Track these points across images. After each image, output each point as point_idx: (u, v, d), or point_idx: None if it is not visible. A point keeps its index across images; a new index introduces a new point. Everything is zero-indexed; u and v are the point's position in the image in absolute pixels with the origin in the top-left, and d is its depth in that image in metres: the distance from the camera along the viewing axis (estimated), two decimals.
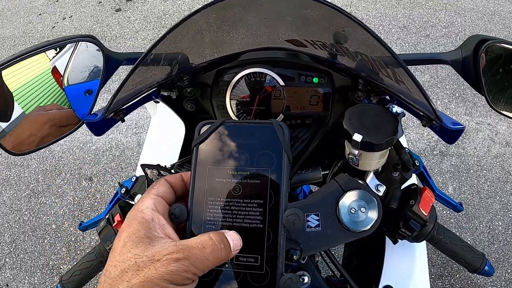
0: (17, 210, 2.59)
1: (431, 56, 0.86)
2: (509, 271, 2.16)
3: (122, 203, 0.81)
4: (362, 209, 0.62)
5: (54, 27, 4.16)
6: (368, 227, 0.62)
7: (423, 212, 0.73)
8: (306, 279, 0.72)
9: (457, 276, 2.13)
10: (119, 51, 3.22)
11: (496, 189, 2.50)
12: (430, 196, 0.75)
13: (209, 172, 0.55)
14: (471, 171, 2.59)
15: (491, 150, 2.70)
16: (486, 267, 0.88)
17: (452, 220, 2.34)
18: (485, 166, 2.61)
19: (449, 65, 0.82)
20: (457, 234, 2.23)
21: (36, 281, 2.26)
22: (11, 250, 2.39)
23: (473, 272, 0.90)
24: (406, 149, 0.79)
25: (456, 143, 2.65)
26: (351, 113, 0.70)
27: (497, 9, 3.94)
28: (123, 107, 0.75)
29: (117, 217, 0.77)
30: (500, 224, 2.34)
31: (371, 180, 0.74)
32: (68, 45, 0.79)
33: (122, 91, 0.67)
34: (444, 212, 2.36)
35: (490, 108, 0.82)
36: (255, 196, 0.53)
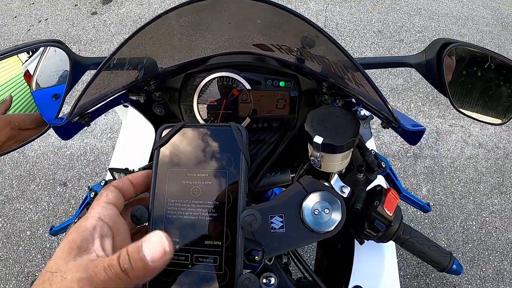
0: None
1: (395, 60, 0.87)
2: (483, 269, 2.20)
3: None
4: (325, 210, 0.63)
5: (30, 29, 4.10)
6: (332, 228, 0.63)
7: (388, 212, 0.74)
8: (273, 280, 0.73)
9: (432, 275, 2.16)
10: (94, 55, 3.17)
11: (469, 189, 2.55)
12: (395, 196, 0.76)
13: (170, 175, 0.55)
14: (445, 172, 2.63)
15: (464, 151, 2.76)
16: (454, 266, 0.89)
17: (426, 220, 2.38)
18: (458, 167, 2.66)
19: (413, 68, 0.83)
20: (431, 234, 2.26)
21: None
22: None
23: (441, 271, 0.91)
24: (372, 151, 0.80)
25: (429, 145, 2.71)
26: (313, 116, 0.71)
27: (471, 14, 4.03)
28: (88, 111, 0.75)
29: None
30: (474, 223, 2.38)
31: (335, 181, 0.75)
32: (41, 49, 0.79)
33: (86, 95, 0.67)
34: (418, 213, 2.40)
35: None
36: (214, 198, 0.54)
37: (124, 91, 0.83)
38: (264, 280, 0.74)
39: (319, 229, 0.62)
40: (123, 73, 0.77)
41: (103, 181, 0.88)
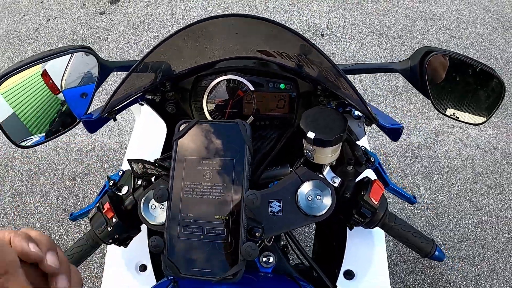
0: (1, 209, 2.59)
1: (383, 66, 0.96)
2: (478, 267, 2.24)
3: (111, 193, 0.90)
4: (317, 196, 0.72)
5: (38, 28, 4.13)
6: (323, 212, 0.72)
7: (373, 201, 0.83)
8: (271, 259, 0.84)
9: (428, 271, 2.21)
10: (102, 54, 3.21)
11: (466, 189, 2.57)
12: (380, 187, 0.85)
13: (186, 162, 0.67)
14: (442, 172, 2.66)
15: (462, 152, 2.78)
16: (437, 252, 0.94)
17: (423, 219, 2.42)
18: (455, 168, 2.69)
19: (399, 73, 0.92)
20: (428, 232, 2.29)
21: None
22: None
23: (424, 256, 0.96)
24: (362, 147, 0.89)
25: (428, 145, 2.77)
26: (307, 114, 0.81)
27: (472, 17, 4.03)
28: (116, 108, 0.85)
29: (107, 205, 0.85)
30: (470, 222, 2.42)
31: (327, 173, 0.84)
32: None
33: (117, 95, 0.77)
34: (415, 211, 2.44)
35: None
36: (223, 181, 0.65)
37: (144, 91, 0.93)
38: (264, 259, 0.84)
39: (312, 212, 0.72)
40: (144, 76, 0.87)
41: (121, 171, 0.97)
